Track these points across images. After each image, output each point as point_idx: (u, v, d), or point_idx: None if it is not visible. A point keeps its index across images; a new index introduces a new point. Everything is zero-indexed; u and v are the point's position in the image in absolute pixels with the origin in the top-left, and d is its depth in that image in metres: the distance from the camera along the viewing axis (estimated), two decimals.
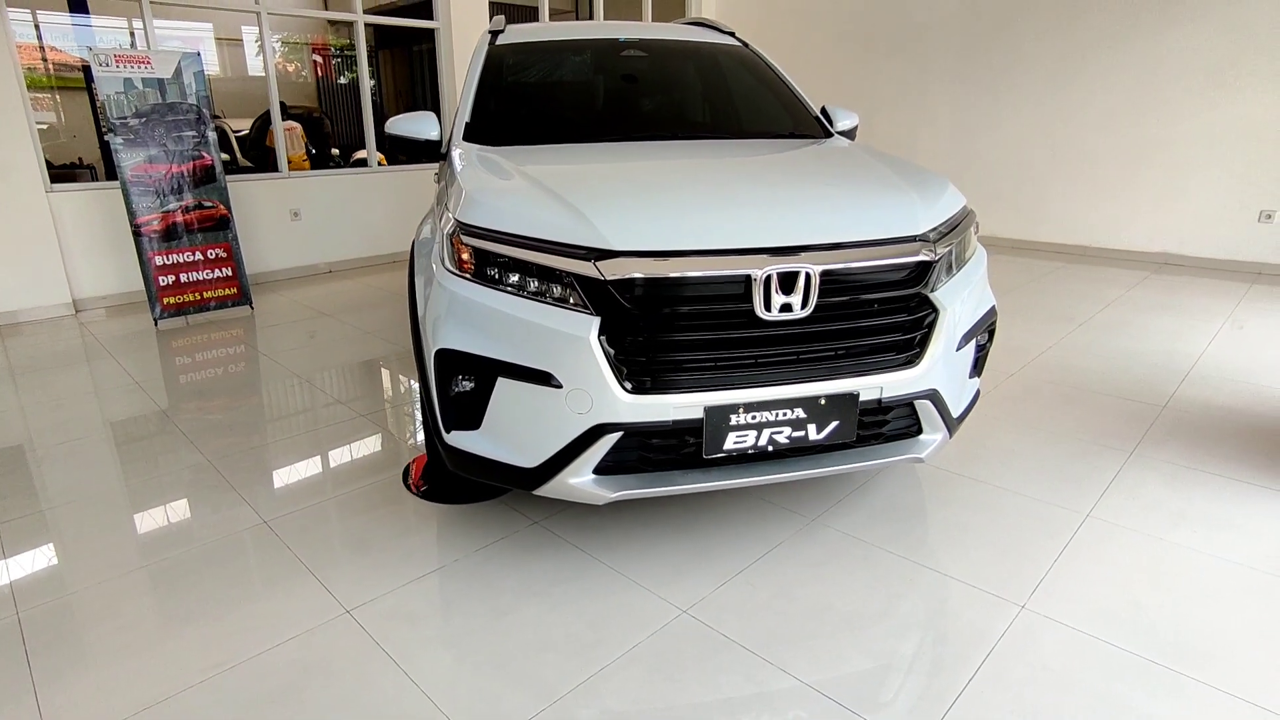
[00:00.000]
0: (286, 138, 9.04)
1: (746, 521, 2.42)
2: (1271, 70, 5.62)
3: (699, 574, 2.15)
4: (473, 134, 2.77)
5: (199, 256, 5.16)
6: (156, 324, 4.98)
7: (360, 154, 8.20)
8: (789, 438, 1.95)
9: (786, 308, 1.86)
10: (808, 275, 1.85)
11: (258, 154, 9.02)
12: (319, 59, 12.60)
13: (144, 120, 4.76)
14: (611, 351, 1.83)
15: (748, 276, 1.83)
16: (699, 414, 1.86)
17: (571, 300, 1.86)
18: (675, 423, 1.86)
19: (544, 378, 1.86)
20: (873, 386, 1.95)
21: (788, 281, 1.85)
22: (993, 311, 2.30)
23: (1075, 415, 3.22)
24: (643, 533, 2.36)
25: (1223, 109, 5.87)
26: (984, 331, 2.27)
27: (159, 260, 4.96)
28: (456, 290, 2.00)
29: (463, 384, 2.02)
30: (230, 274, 5.31)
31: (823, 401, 1.92)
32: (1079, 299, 5.18)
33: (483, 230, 1.97)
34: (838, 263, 1.88)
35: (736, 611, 1.99)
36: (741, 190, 2.09)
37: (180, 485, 2.74)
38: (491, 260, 1.95)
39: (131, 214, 4.81)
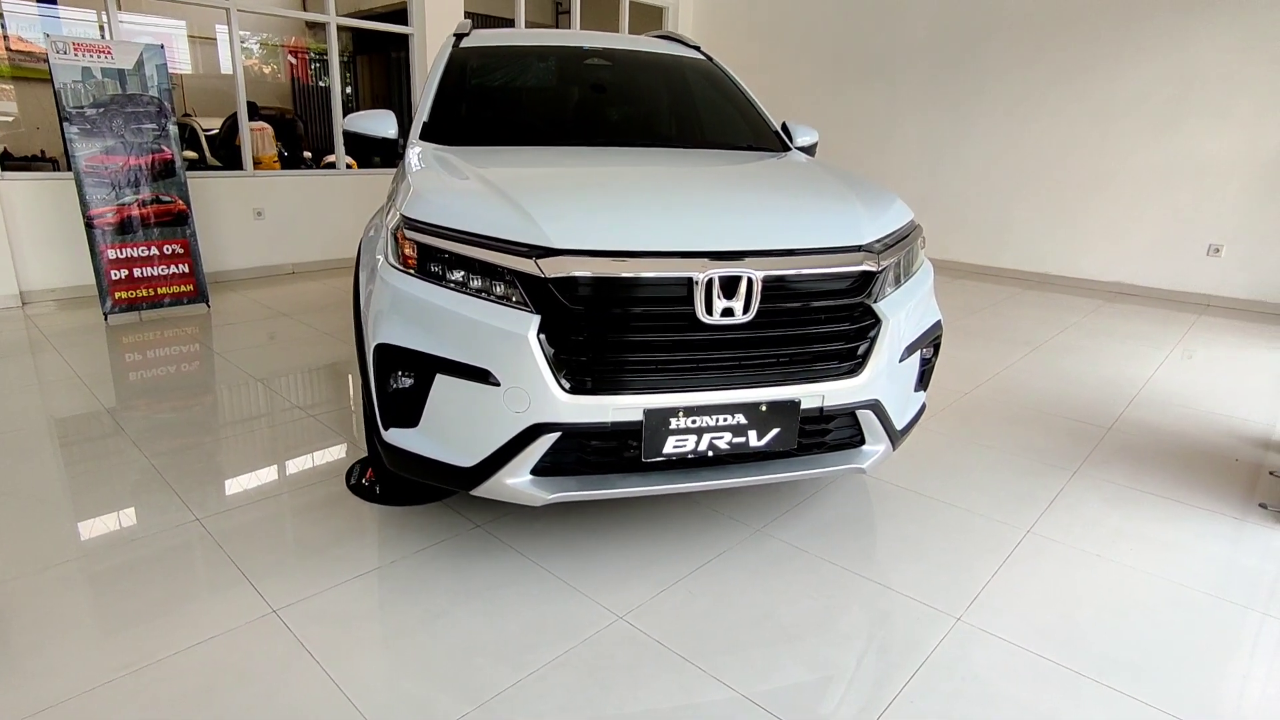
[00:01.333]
0: (257, 138, 8.91)
1: (691, 530, 2.40)
2: (1216, 110, 5.83)
3: (639, 581, 2.13)
4: (430, 133, 2.75)
5: (154, 251, 5.04)
6: (106, 319, 4.85)
7: (330, 158, 8.12)
8: (729, 443, 1.94)
9: (728, 312, 1.86)
10: (749, 280, 1.85)
11: (227, 153, 8.90)
12: (295, 61, 12.51)
13: (101, 110, 4.66)
14: (551, 350, 1.81)
15: (689, 279, 1.83)
16: (638, 416, 1.85)
17: (512, 298, 1.84)
18: (614, 424, 1.84)
19: (482, 375, 1.84)
20: (814, 395, 1.96)
21: (729, 286, 1.85)
22: (938, 325, 2.32)
23: (1024, 434, 3.26)
24: (586, 540, 2.33)
25: (1173, 145, 6.07)
26: (929, 345, 2.30)
27: (112, 254, 4.84)
28: (399, 285, 1.97)
29: (401, 380, 1.98)
30: (187, 270, 5.20)
31: (764, 408, 1.92)
32: (1035, 324, 5.28)
33: (426, 225, 1.95)
34: (780, 269, 1.89)
35: (674, 619, 1.97)
36: (687, 195, 2.10)
37: (113, 481, 2.65)
38: (434, 256, 1.92)
39: (85, 205, 4.70)
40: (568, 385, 1.81)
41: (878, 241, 2.06)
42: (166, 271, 5.12)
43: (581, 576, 2.14)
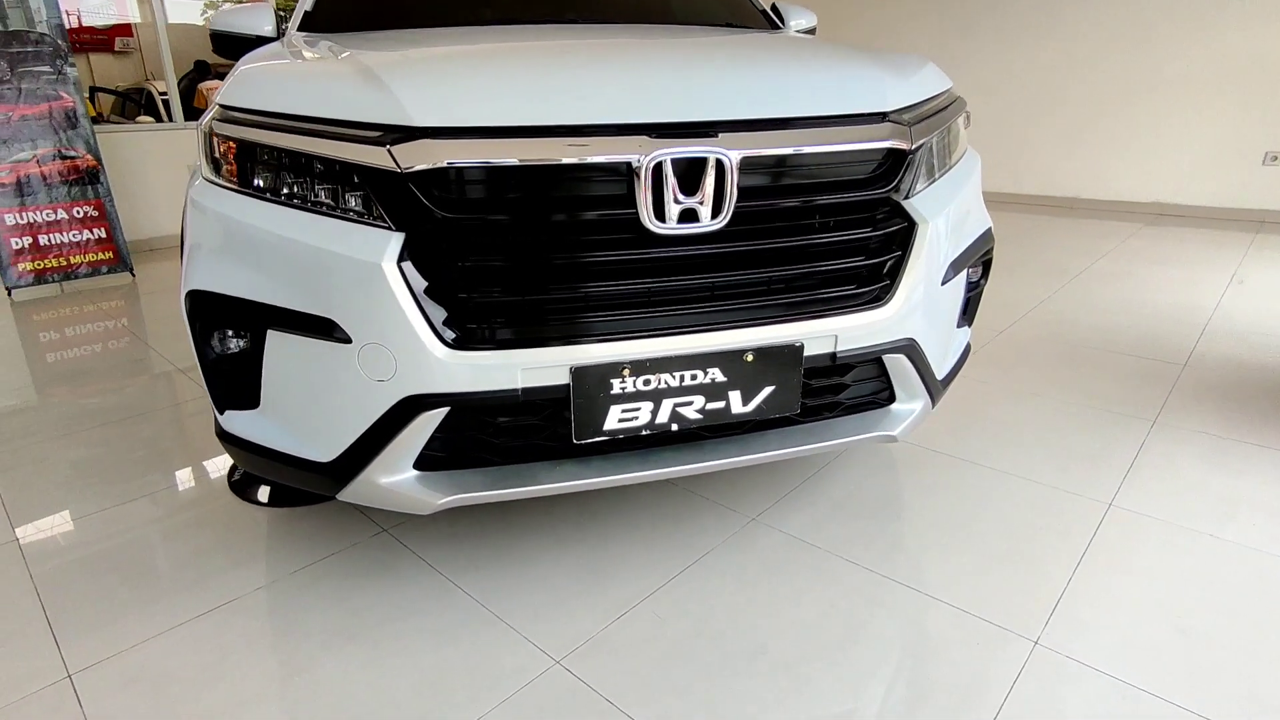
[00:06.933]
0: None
1: (663, 523, 1.82)
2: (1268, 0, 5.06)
3: (588, 602, 1.56)
4: (311, 23, 2.12)
5: (63, 215, 4.42)
6: (10, 294, 4.26)
7: None
8: (702, 411, 1.34)
9: (690, 216, 1.24)
10: (720, 165, 1.23)
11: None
12: None
13: None
14: (422, 284, 1.20)
15: (627, 165, 1.21)
16: (563, 378, 1.25)
17: (361, 209, 1.22)
18: (526, 391, 1.25)
19: (325, 328, 1.24)
20: (823, 334, 1.35)
21: (691, 176, 1.23)
22: (989, 235, 1.70)
23: (1080, 378, 2.66)
24: (522, 545, 1.75)
25: (1221, 41, 5.31)
26: (978, 263, 1.68)
27: (10, 219, 4.22)
28: (213, 207, 1.36)
29: (228, 342, 1.38)
30: (104, 235, 4.57)
31: (750, 357, 1.32)
32: (1070, 252, 4.63)
33: (244, 113, 1.33)
34: (766, 147, 1.26)
35: (632, 659, 1.40)
36: (625, 52, 1.46)
37: None
38: (256, 157, 1.31)
39: None
40: (451, 337, 1.21)
41: (907, 110, 1.43)
42: (80, 237, 4.50)
43: (511, 600, 1.57)
